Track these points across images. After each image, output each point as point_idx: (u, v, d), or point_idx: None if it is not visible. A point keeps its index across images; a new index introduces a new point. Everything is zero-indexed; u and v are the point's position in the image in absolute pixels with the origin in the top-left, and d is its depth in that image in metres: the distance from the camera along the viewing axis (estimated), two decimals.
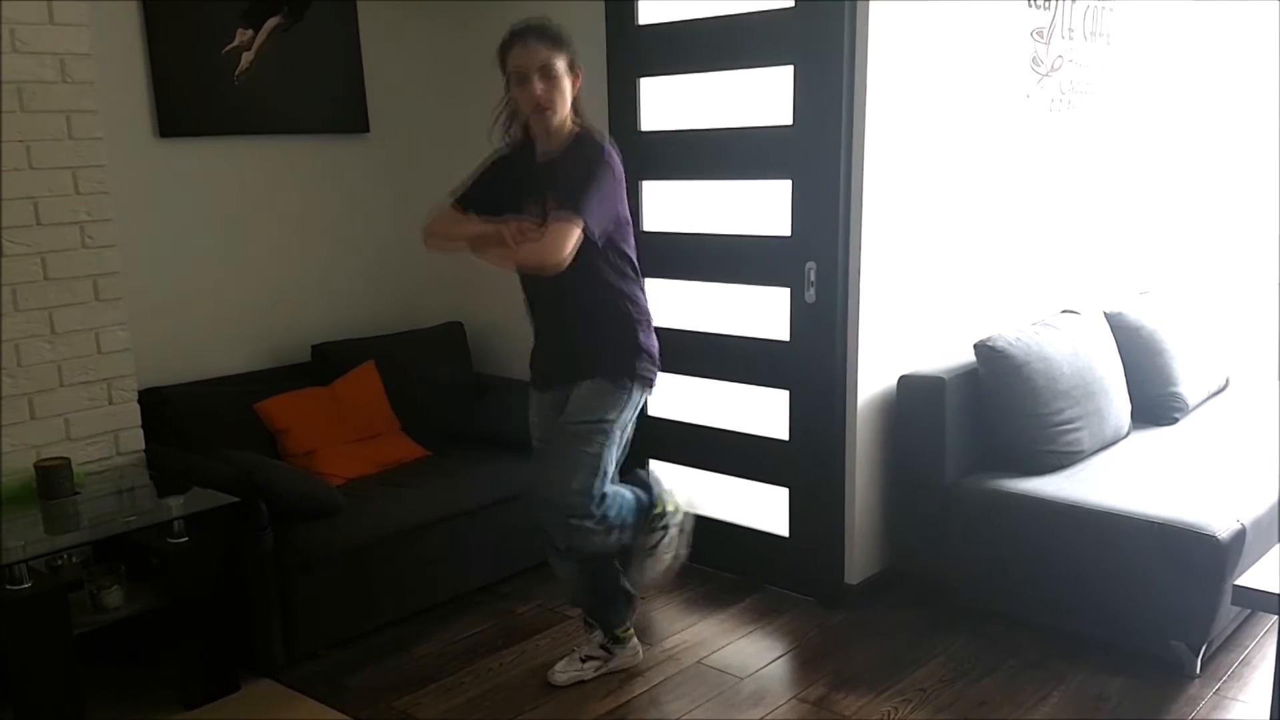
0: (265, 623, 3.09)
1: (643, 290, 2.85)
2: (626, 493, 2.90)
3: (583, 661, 3.11)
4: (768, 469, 3.65)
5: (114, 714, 2.96)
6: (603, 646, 3.13)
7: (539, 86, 2.60)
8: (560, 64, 2.62)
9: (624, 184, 2.71)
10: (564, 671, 3.09)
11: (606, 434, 2.75)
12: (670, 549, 3.01)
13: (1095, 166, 4.30)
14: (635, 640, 3.19)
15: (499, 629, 3.45)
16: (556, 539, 2.88)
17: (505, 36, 2.66)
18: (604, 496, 2.78)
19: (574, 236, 2.52)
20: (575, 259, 2.56)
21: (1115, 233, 4.50)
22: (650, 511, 2.96)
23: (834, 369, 3.39)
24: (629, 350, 2.78)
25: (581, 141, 2.68)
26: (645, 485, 3.00)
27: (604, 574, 3.06)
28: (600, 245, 2.63)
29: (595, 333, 2.78)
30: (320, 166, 3.97)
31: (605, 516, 2.79)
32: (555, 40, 2.63)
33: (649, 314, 2.85)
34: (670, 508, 3.01)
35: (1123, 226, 4.54)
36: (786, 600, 3.60)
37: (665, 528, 3.00)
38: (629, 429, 2.85)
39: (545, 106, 2.62)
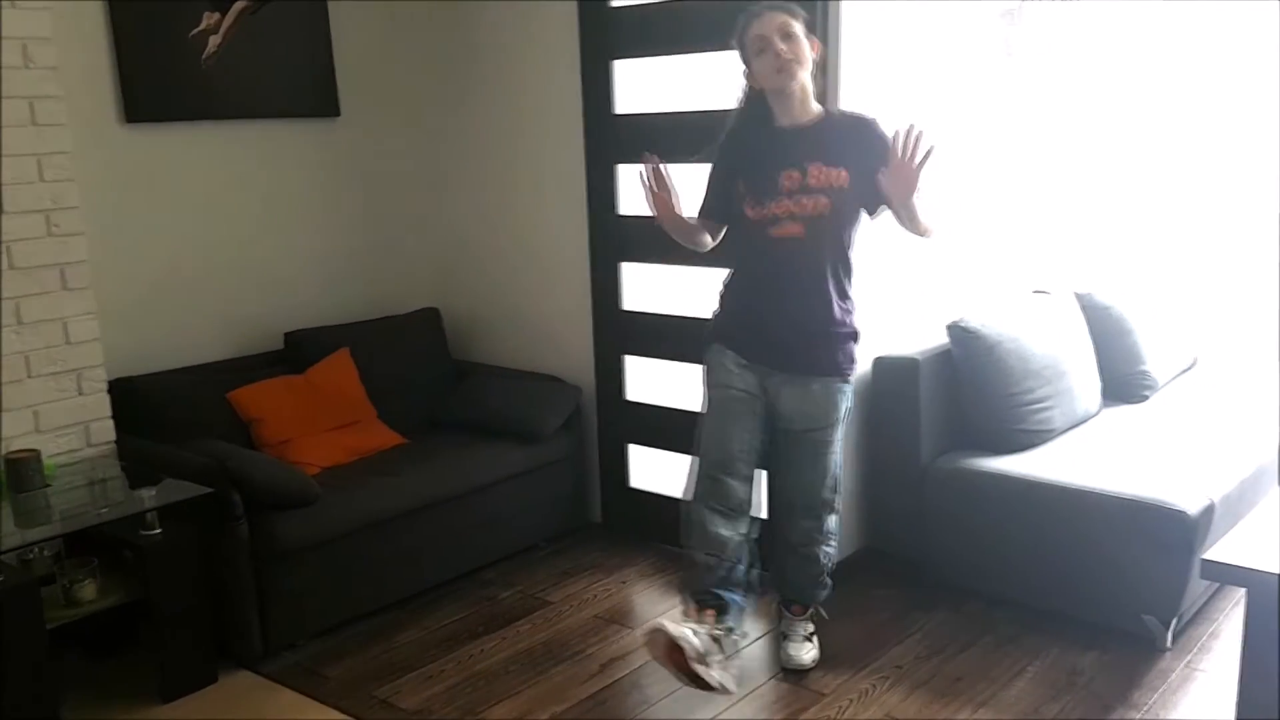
0: (242, 614, 3.07)
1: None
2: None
3: (807, 640, 3.10)
4: None
5: (90, 707, 2.93)
6: (811, 619, 3.14)
7: (781, 45, 2.60)
8: (797, 25, 2.64)
9: None
10: (808, 652, 3.08)
11: (842, 428, 2.89)
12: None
13: (1064, 148, 4.33)
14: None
15: (480, 616, 3.44)
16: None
17: (739, 21, 2.70)
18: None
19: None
20: (832, 224, 2.69)
21: (1085, 213, 4.54)
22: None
23: None
24: (850, 349, 2.85)
25: (847, 115, 2.76)
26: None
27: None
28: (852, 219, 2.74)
29: (830, 328, 2.79)
30: (291, 151, 3.92)
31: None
32: (789, 9, 2.66)
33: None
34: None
35: (1092, 207, 4.58)
36: (765, 581, 3.61)
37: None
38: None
39: (789, 59, 2.61)
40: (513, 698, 2.95)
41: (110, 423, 3.29)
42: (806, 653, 3.06)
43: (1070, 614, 3.24)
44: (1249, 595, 1.97)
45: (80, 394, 3.21)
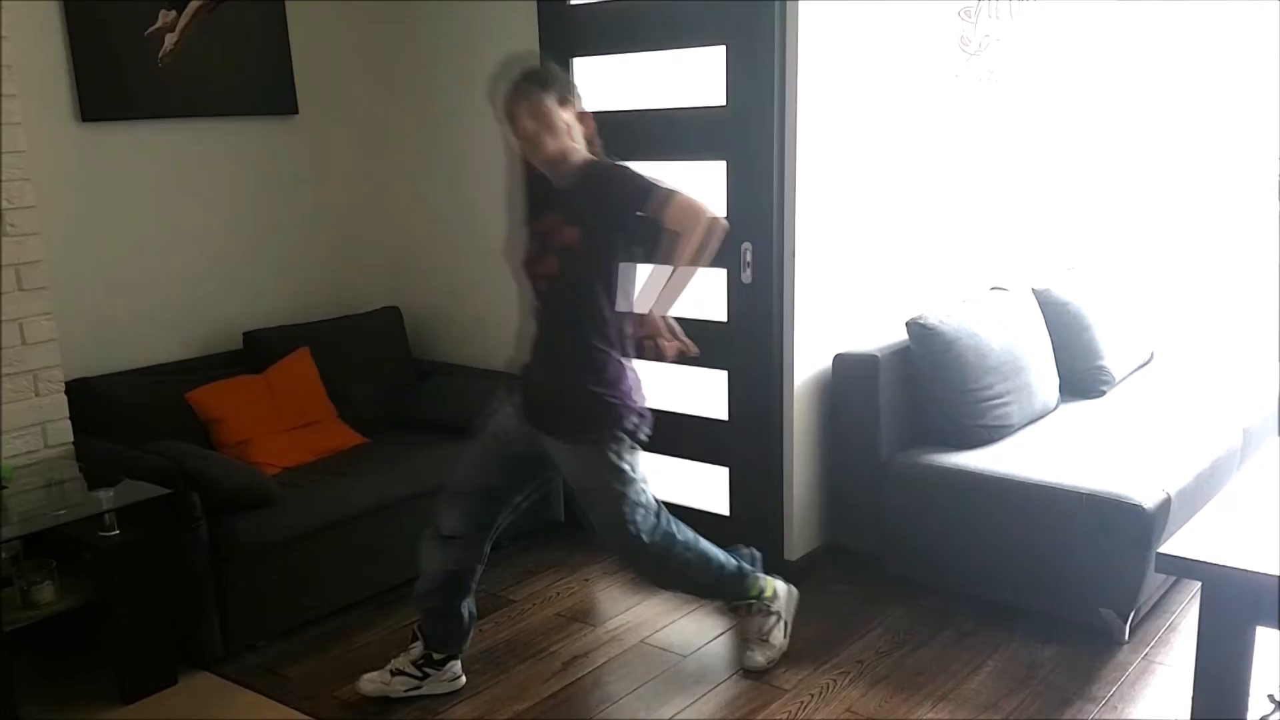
0: (202, 615, 3.05)
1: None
2: (716, 552, 2.93)
3: (391, 675, 2.93)
4: (708, 449, 3.68)
5: (49, 710, 2.91)
6: (416, 664, 2.93)
7: (529, 125, 2.58)
8: (549, 103, 2.59)
9: None
10: (370, 681, 2.93)
11: (624, 485, 2.72)
12: (783, 635, 3.07)
13: (1022, 145, 4.37)
14: (457, 667, 2.99)
15: None
16: (442, 526, 2.83)
17: (498, 80, 2.70)
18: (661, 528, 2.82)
19: (691, 195, 2.53)
20: (568, 282, 2.61)
21: (1042, 211, 4.58)
22: (741, 581, 2.99)
23: (771, 349, 3.42)
24: (616, 409, 2.69)
25: (599, 163, 2.67)
26: (747, 560, 3.04)
27: (460, 590, 2.91)
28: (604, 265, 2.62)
29: (584, 385, 2.67)
30: (248, 149, 3.90)
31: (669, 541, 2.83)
32: (543, 81, 2.63)
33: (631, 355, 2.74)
34: (772, 592, 3.05)
35: (1049, 204, 4.63)
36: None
37: (776, 613, 3.05)
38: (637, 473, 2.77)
39: (536, 142, 2.59)
40: (474, 697, 2.95)
41: (68, 424, 3.25)
42: (369, 681, 2.96)
43: (1029, 608, 3.27)
44: (1204, 589, 2.00)
45: (37, 395, 3.18)
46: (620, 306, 2.68)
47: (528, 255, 2.72)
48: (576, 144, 2.64)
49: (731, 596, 3.03)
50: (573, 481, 2.81)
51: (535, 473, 2.86)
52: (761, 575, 3.04)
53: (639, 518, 2.75)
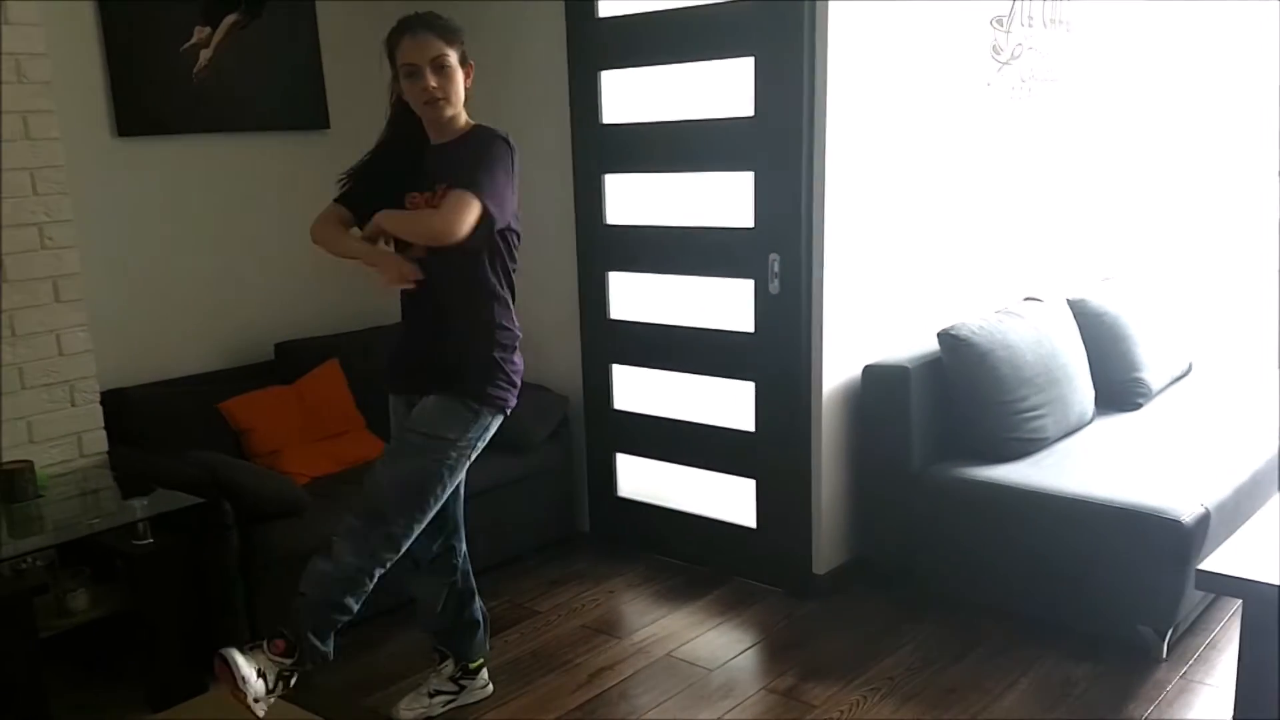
0: (232, 623, 3.08)
1: (514, 313, 2.67)
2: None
3: (430, 697, 2.92)
4: (734, 460, 3.66)
5: (82, 717, 2.94)
6: (453, 679, 2.94)
7: (432, 80, 2.48)
8: (453, 57, 2.51)
9: (516, 185, 2.56)
10: (409, 709, 2.90)
11: (443, 452, 2.55)
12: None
13: (1056, 154, 4.32)
14: (486, 673, 3.00)
15: None
16: (416, 554, 2.74)
17: (393, 28, 2.54)
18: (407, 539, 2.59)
19: (474, 210, 2.38)
20: (461, 256, 2.48)
21: (1077, 220, 4.53)
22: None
23: (799, 360, 3.40)
24: (487, 369, 2.59)
25: (481, 129, 2.58)
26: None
27: (464, 599, 2.90)
28: (483, 235, 2.47)
29: (457, 344, 2.60)
30: (280, 164, 3.94)
31: (384, 564, 2.58)
32: (447, 31, 2.52)
33: (518, 336, 2.67)
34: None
35: (1085, 213, 4.57)
36: (755, 591, 3.61)
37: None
38: (470, 457, 2.63)
39: (439, 97, 2.49)
40: (500, 707, 2.95)
41: (103, 433, 3.30)
42: (407, 709, 2.90)
43: (1064, 624, 3.21)
44: (1245, 606, 1.96)
45: (73, 405, 3.23)
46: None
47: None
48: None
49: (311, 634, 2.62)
50: (410, 423, 2.61)
51: None
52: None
53: (416, 504, 2.57)
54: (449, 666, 2.96)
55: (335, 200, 2.67)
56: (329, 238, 2.64)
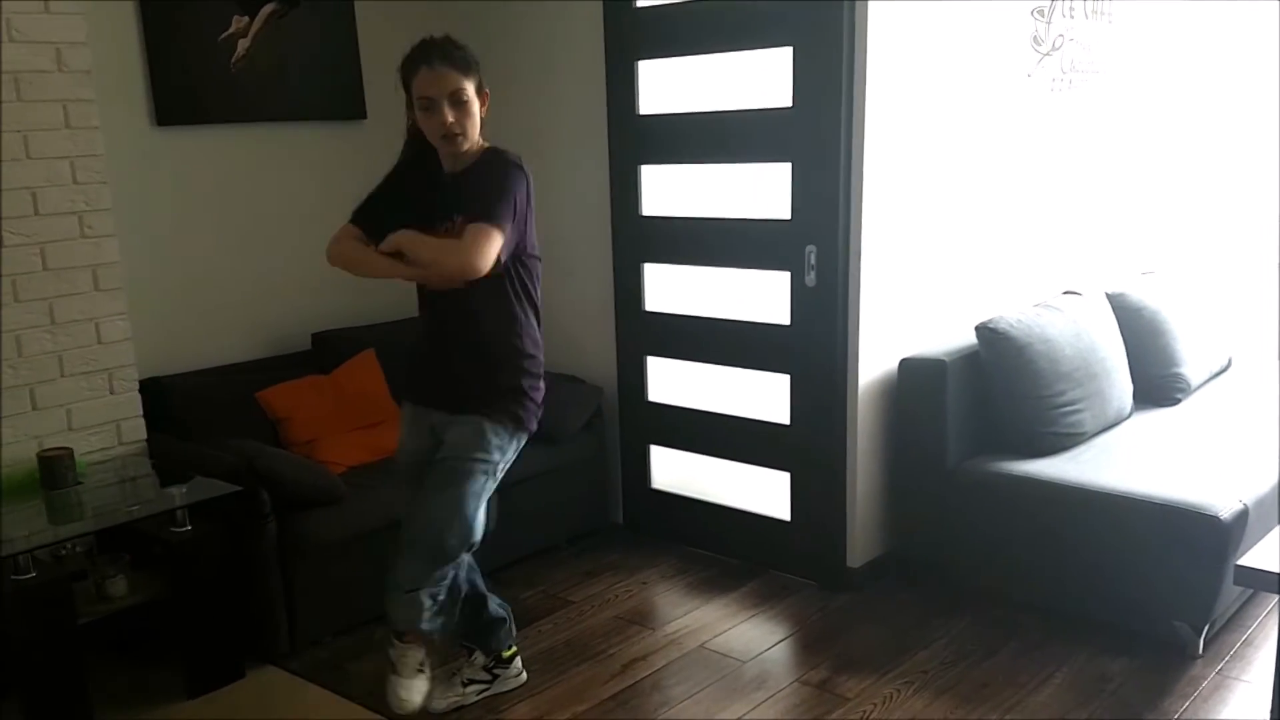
0: (270, 610, 3.11)
1: (539, 333, 2.70)
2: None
3: (464, 686, 2.93)
4: (769, 453, 3.65)
5: (120, 702, 2.97)
6: (486, 669, 2.96)
7: (449, 115, 2.45)
8: (470, 89, 2.48)
9: (534, 210, 2.58)
10: (443, 698, 2.89)
11: (486, 473, 2.62)
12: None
13: (1096, 146, 4.28)
14: (520, 662, 3.02)
15: None
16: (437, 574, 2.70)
17: (408, 56, 2.50)
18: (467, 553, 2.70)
19: (495, 242, 2.39)
20: (485, 280, 2.47)
21: (1117, 213, 4.49)
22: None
23: (835, 352, 3.38)
24: (516, 395, 2.63)
25: (494, 155, 2.56)
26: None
27: (477, 605, 2.90)
28: (505, 263, 2.49)
29: (486, 366, 2.63)
30: (318, 153, 3.96)
31: (453, 578, 2.71)
32: (465, 63, 2.48)
33: (542, 363, 2.71)
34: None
35: (1124, 207, 4.52)
36: (789, 584, 3.61)
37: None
38: (499, 478, 2.70)
39: (457, 133, 2.47)
40: (534, 696, 2.96)
41: (141, 421, 3.33)
42: (442, 698, 2.91)
43: (1099, 619, 3.20)
44: None
45: (112, 393, 3.25)
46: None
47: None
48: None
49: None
50: (448, 450, 2.64)
51: None
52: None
53: (470, 523, 2.65)
54: (480, 658, 2.97)
55: (352, 221, 2.65)
56: (355, 257, 2.61)
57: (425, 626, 2.68)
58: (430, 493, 2.64)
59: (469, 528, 2.63)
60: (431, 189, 2.60)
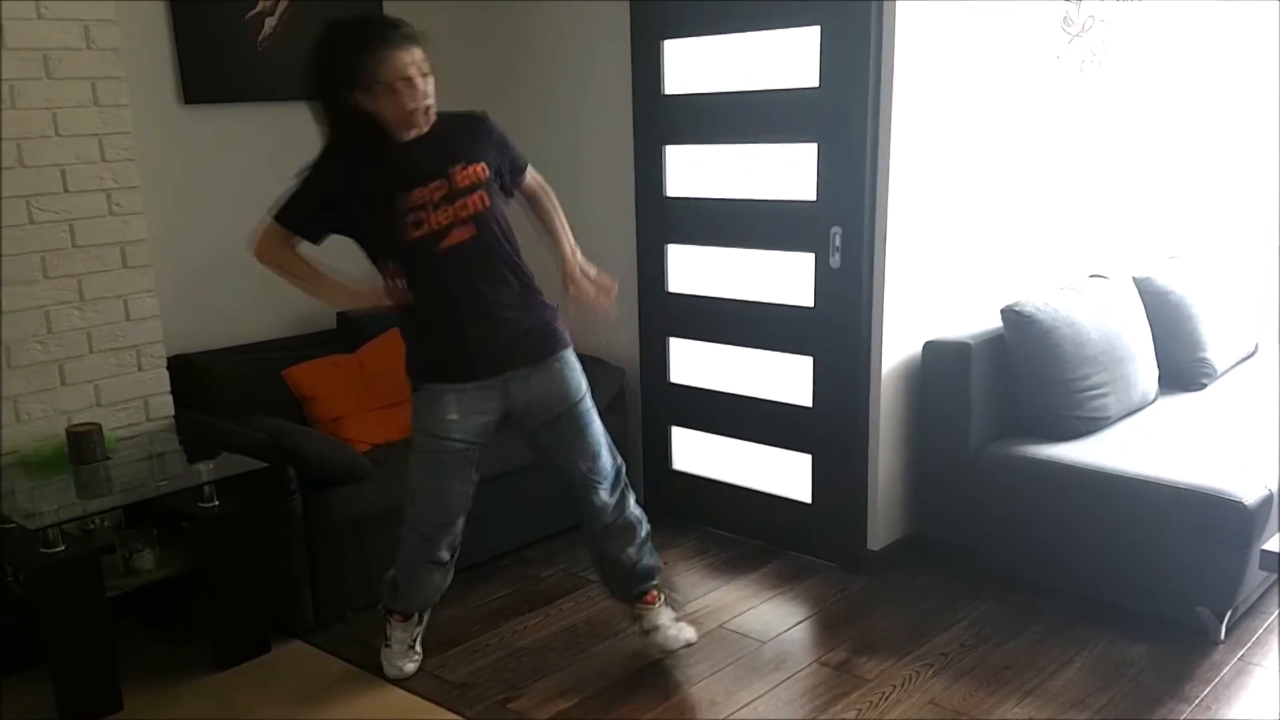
0: (295, 586, 3.14)
1: None
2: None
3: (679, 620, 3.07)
4: (791, 435, 3.65)
5: (148, 674, 3.02)
6: (668, 605, 3.07)
7: (424, 87, 2.50)
8: (426, 61, 2.52)
9: None
10: (677, 630, 3.02)
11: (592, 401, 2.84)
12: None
13: (1125, 129, 4.24)
14: (663, 614, 3.03)
15: (523, 594, 3.48)
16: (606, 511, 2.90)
17: (353, 38, 2.47)
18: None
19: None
20: (495, 216, 2.65)
21: (1144, 197, 4.44)
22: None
23: (858, 335, 3.37)
24: (553, 311, 2.82)
25: (451, 113, 2.61)
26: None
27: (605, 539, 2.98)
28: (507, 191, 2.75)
29: (531, 307, 2.74)
30: None
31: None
32: (418, 36, 2.51)
33: None
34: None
35: (1152, 190, 4.48)
36: (809, 566, 3.61)
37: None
38: None
39: (431, 103, 2.52)
40: (555, 674, 2.98)
41: (169, 398, 3.36)
42: (685, 630, 3.02)
43: (1120, 604, 3.19)
44: None
45: (140, 370, 3.29)
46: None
47: (427, 222, 2.58)
48: None
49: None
50: (556, 404, 2.77)
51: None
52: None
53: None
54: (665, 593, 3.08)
55: (278, 221, 2.71)
56: (278, 257, 2.78)
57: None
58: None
59: (613, 445, 2.90)
60: (389, 161, 2.58)
